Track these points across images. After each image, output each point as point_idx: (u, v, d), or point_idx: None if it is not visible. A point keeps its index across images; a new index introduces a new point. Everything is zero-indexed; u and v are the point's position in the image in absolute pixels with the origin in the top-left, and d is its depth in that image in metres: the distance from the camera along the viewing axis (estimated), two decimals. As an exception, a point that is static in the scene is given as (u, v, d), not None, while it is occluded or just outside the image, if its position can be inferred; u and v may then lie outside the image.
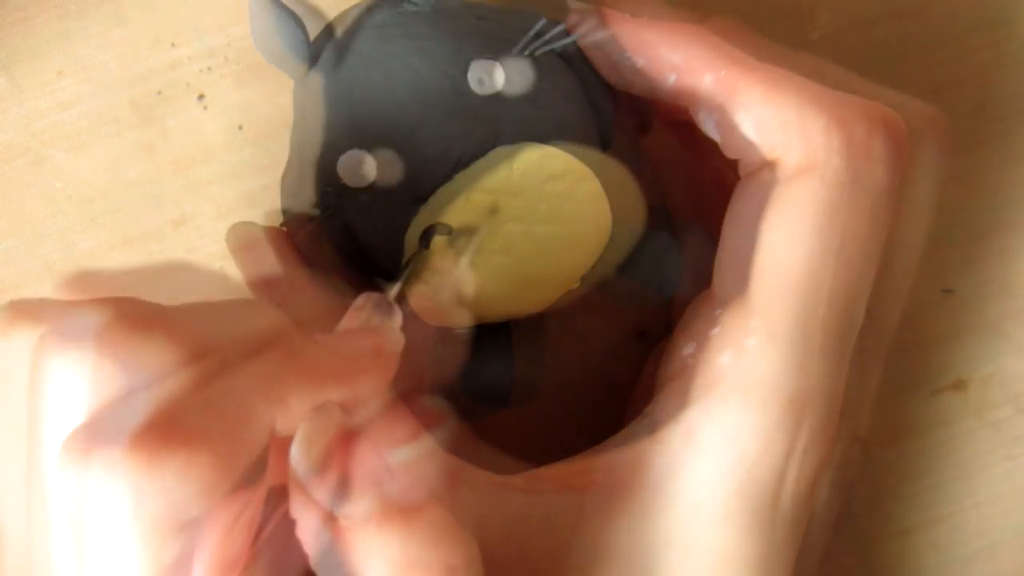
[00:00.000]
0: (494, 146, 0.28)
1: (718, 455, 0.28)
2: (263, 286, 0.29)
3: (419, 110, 0.27)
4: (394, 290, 0.27)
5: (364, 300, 0.26)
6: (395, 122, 0.27)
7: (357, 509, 0.23)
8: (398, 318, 0.26)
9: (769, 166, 0.28)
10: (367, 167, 0.28)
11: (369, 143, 0.28)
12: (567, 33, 0.29)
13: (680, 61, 0.29)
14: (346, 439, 0.23)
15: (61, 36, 0.35)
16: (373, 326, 0.25)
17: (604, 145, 0.30)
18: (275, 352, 0.22)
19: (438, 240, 0.28)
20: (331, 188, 0.28)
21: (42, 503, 0.22)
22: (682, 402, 0.28)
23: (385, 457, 0.22)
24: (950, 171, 0.37)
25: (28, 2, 0.35)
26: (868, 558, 0.36)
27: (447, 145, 0.27)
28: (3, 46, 0.36)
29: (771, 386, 0.27)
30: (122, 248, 0.35)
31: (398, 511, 0.23)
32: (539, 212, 0.28)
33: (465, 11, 0.28)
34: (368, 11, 0.28)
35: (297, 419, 0.22)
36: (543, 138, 0.28)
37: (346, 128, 0.28)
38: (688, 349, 0.29)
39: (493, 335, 0.31)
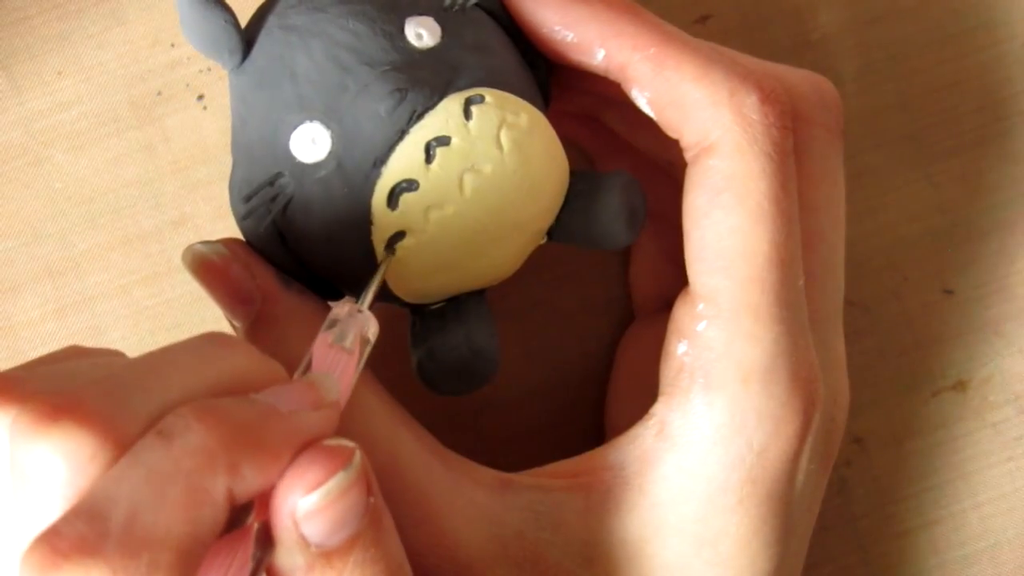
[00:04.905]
0: (445, 95, 0.27)
1: (726, 445, 0.28)
2: (235, 304, 0.29)
3: (364, 70, 0.27)
4: (367, 298, 0.27)
5: (337, 311, 0.26)
6: (342, 86, 0.27)
7: (282, 559, 0.23)
8: (374, 326, 0.26)
9: (708, 150, 0.28)
10: (321, 137, 0.27)
11: (319, 113, 0.27)
12: None
13: (609, 37, 0.29)
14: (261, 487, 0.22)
15: (60, 36, 0.35)
16: (308, 379, 0.25)
17: (544, 100, 0.30)
18: (212, 423, 0.22)
19: (407, 198, 0.27)
20: (285, 172, 0.28)
21: None
22: (684, 400, 0.28)
23: (299, 504, 0.22)
24: (949, 171, 0.37)
25: (27, 2, 0.35)
26: (868, 558, 0.36)
27: (397, 99, 0.27)
28: (3, 46, 0.36)
29: (753, 367, 0.28)
30: (121, 248, 0.35)
31: (322, 557, 0.23)
32: (498, 158, 0.28)
33: None
34: None
35: (255, 483, 0.22)
36: (491, 84, 0.28)
37: (293, 103, 0.27)
38: (682, 347, 0.29)
39: (471, 303, 0.30)
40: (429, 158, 0.27)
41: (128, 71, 0.36)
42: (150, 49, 0.36)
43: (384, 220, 0.27)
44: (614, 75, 0.29)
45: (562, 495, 0.29)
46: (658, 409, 0.29)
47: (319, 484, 0.22)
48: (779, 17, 0.37)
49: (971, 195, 0.37)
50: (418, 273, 0.28)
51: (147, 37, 0.36)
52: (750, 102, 0.28)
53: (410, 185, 0.27)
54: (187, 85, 0.36)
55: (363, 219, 0.27)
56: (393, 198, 0.27)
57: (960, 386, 0.37)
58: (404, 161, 0.27)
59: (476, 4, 0.29)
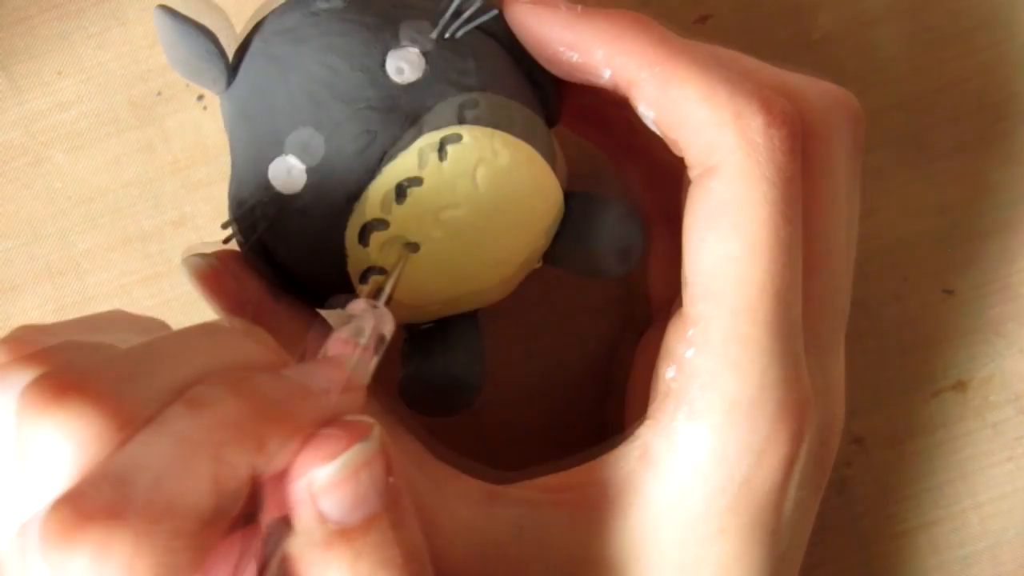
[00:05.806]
0: (420, 134, 0.27)
1: (706, 475, 0.28)
2: (231, 314, 0.29)
3: (339, 107, 0.27)
4: (384, 295, 0.27)
5: (353, 307, 0.26)
6: (318, 122, 0.27)
7: (300, 539, 0.22)
8: (390, 323, 0.26)
9: (711, 171, 0.28)
10: (296, 172, 0.27)
11: (295, 148, 0.27)
12: (487, 8, 0.28)
13: (615, 55, 0.28)
14: (280, 470, 0.22)
15: (60, 36, 0.35)
16: (339, 359, 0.24)
17: (550, 121, 0.30)
18: (243, 395, 0.22)
19: (377, 236, 0.27)
20: (267, 199, 0.28)
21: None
22: (668, 426, 0.28)
23: (316, 476, 0.22)
24: (950, 171, 0.37)
25: (27, 2, 0.35)
26: (868, 558, 0.36)
27: (367, 140, 0.27)
28: (3, 46, 0.36)
29: (739, 398, 0.27)
30: (121, 248, 0.35)
31: (340, 535, 0.22)
32: (474, 198, 0.28)
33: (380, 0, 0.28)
34: (279, 15, 0.28)
35: (279, 462, 0.22)
36: (474, 119, 0.28)
37: (271, 136, 0.28)
38: (670, 372, 0.28)
39: (460, 327, 0.30)
40: (400, 198, 0.27)
41: (128, 71, 0.36)
42: (150, 49, 0.36)
43: (357, 255, 0.28)
44: (622, 91, 0.29)
45: (548, 510, 0.28)
46: (643, 432, 0.29)
47: (336, 455, 0.22)
48: (779, 17, 0.37)
49: (971, 195, 0.37)
50: (397, 302, 0.28)
51: (147, 37, 0.36)
52: (755, 124, 0.27)
53: (380, 224, 0.27)
54: (187, 85, 0.36)
55: (338, 252, 0.28)
56: (364, 236, 0.27)
57: (960, 386, 0.37)
58: (374, 201, 0.27)
59: (476, 27, 0.28)
